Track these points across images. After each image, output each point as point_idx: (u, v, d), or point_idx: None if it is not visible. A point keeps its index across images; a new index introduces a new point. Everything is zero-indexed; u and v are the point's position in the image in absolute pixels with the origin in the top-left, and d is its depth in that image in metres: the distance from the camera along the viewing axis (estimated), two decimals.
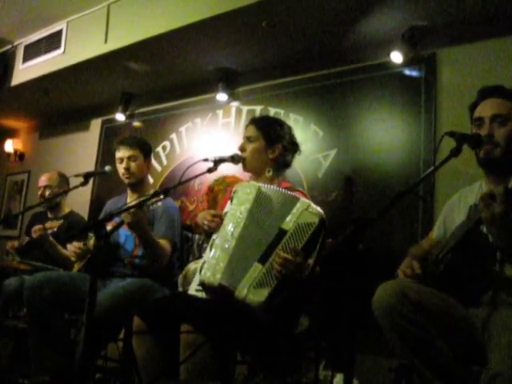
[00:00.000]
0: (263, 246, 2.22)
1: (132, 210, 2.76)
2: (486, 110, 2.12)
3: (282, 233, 2.23)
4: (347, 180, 3.70)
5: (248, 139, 2.80)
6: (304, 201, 2.32)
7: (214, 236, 2.36)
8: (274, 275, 2.15)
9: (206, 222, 2.47)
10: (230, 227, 2.29)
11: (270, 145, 2.77)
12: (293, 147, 2.86)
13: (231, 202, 2.40)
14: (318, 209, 2.29)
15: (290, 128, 2.90)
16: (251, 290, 2.11)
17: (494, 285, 1.94)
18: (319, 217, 2.25)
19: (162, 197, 2.67)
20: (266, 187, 2.40)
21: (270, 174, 2.75)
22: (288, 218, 2.25)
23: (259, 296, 2.10)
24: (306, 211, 2.26)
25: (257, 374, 2.82)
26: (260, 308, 2.10)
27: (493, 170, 2.15)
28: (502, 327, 1.75)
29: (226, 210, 2.42)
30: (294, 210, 2.27)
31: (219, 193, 4.30)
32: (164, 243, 3.10)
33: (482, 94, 2.18)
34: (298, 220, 2.24)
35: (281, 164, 2.82)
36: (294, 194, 2.40)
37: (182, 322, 2.28)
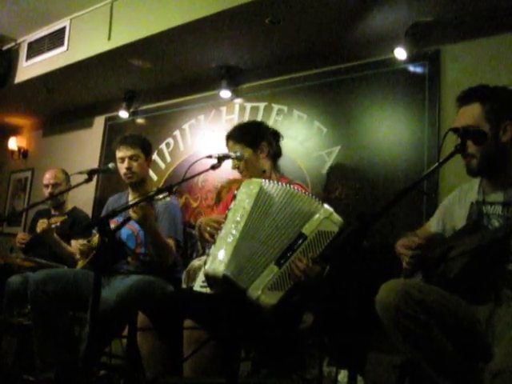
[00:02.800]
0: (277, 245, 2.20)
1: (140, 205, 2.76)
2: (457, 121, 2.13)
3: (302, 238, 2.19)
4: (351, 177, 3.69)
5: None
6: (327, 208, 2.28)
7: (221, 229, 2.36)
8: (289, 279, 2.13)
9: (208, 229, 2.48)
10: (234, 220, 2.28)
11: (256, 147, 2.86)
12: (275, 137, 2.97)
13: (235, 197, 2.41)
14: (339, 218, 2.26)
15: (263, 122, 3.06)
16: (265, 292, 2.08)
17: (500, 282, 1.93)
18: (340, 226, 2.23)
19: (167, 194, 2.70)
20: (268, 183, 2.40)
21: (266, 173, 2.82)
22: (309, 224, 2.22)
23: (272, 299, 2.08)
24: (327, 219, 2.23)
25: (261, 370, 2.83)
26: (269, 310, 2.09)
27: (484, 176, 2.16)
28: (506, 323, 1.75)
29: (230, 206, 2.42)
30: (316, 216, 2.24)
31: (223, 189, 4.33)
32: (169, 242, 3.10)
33: (457, 104, 2.18)
34: (320, 227, 2.20)
35: (274, 157, 2.93)
36: (297, 189, 2.39)
37: (187, 318, 2.29)
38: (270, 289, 2.10)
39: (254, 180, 2.48)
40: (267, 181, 2.42)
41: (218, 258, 2.19)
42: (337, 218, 2.24)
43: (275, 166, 2.92)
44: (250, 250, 2.20)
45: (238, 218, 2.28)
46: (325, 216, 2.23)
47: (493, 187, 2.12)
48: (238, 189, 2.46)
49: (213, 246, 2.29)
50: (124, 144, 3.32)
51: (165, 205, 3.20)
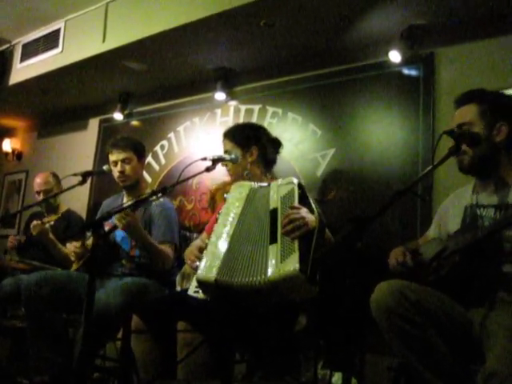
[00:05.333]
0: (262, 232, 2.25)
1: (124, 212, 2.76)
2: (453, 121, 2.17)
3: (274, 212, 2.29)
4: (345, 179, 3.69)
5: (226, 153, 2.88)
6: (274, 182, 2.47)
7: (212, 233, 2.37)
8: (291, 242, 2.14)
9: (189, 262, 2.51)
10: (225, 225, 2.33)
11: (246, 150, 2.86)
12: (272, 144, 2.96)
13: (225, 200, 2.44)
14: (289, 178, 2.44)
15: (264, 128, 3.03)
16: (280, 266, 2.07)
17: (494, 284, 1.94)
18: (294, 182, 2.39)
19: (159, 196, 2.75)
20: (257, 185, 2.51)
21: (248, 176, 2.83)
22: (271, 200, 2.35)
23: (291, 263, 2.05)
24: (280, 186, 2.41)
25: (255, 373, 2.82)
26: (302, 275, 2.03)
27: (475, 174, 2.17)
28: (500, 326, 1.76)
29: (221, 210, 2.45)
30: (271, 192, 2.39)
31: (217, 192, 4.33)
32: (165, 248, 3.09)
33: (454, 105, 2.22)
34: (279, 195, 2.35)
35: (265, 162, 2.92)
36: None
37: (181, 320, 2.29)
38: (282, 260, 2.09)
39: (244, 183, 2.54)
40: (256, 184, 2.51)
41: (210, 263, 2.19)
42: (286, 179, 2.44)
43: (268, 171, 2.92)
44: (243, 250, 2.21)
45: (229, 223, 2.33)
46: (276, 186, 2.42)
47: (486, 189, 2.13)
48: (228, 192, 2.50)
49: (204, 251, 2.29)
50: (116, 147, 3.32)
51: (160, 208, 3.20)
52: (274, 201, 2.33)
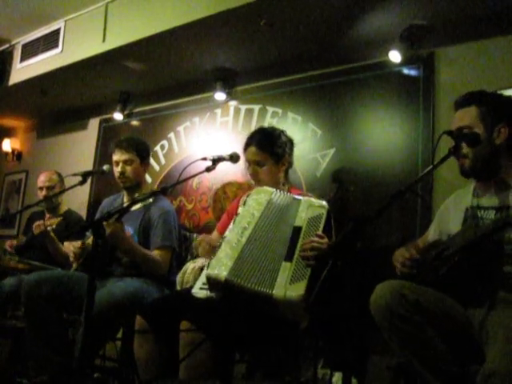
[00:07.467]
0: (281, 246, 2.27)
1: (107, 222, 2.74)
2: (453, 124, 2.16)
3: (298, 230, 2.32)
4: (345, 179, 3.69)
5: (256, 164, 2.80)
6: (306, 199, 2.47)
7: (227, 233, 2.41)
8: (305, 268, 2.18)
9: (205, 255, 2.56)
10: (241, 227, 2.35)
11: (280, 161, 2.81)
12: (291, 147, 2.92)
13: (244, 204, 2.48)
14: (320, 201, 2.46)
15: (284, 132, 2.91)
16: (288, 288, 2.12)
17: (494, 284, 1.93)
18: (325, 208, 2.42)
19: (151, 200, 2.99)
20: (278, 193, 2.52)
21: (284, 185, 2.83)
22: (298, 217, 2.38)
23: (298, 290, 2.11)
24: (311, 207, 2.42)
25: (255, 373, 2.82)
26: (303, 304, 2.10)
27: (476, 177, 2.17)
28: (499, 325, 1.76)
29: (238, 211, 2.49)
30: (301, 209, 2.41)
31: (218, 191, 4.33)
32: (160, 254, 3.08)
33: (454, 108, 2.21)
34: (308, 216, 2.38)
35: (290, 168, 2.92)
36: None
37: (184, 320, 2.29)
38: (291, 283, 2.13)
39: (266, 188, 2.55)
40: (277, 190, 2.54)
41: (222, 262, 2.20)
42: (318, 202, 2.46)
43: (286, 176, 2.90)
44: (256, 256, 2.24)
45: (246, 225, 2.35)
46: (308, 205, 2.43)
47: (486, 191, 2.13)
48: (249, 195, 2.54)
49: (218, 249, 2.30)
50: (119, 147, 3.29)
51: (159, 212, 3.17)
52: (301, 219, 2.37)
